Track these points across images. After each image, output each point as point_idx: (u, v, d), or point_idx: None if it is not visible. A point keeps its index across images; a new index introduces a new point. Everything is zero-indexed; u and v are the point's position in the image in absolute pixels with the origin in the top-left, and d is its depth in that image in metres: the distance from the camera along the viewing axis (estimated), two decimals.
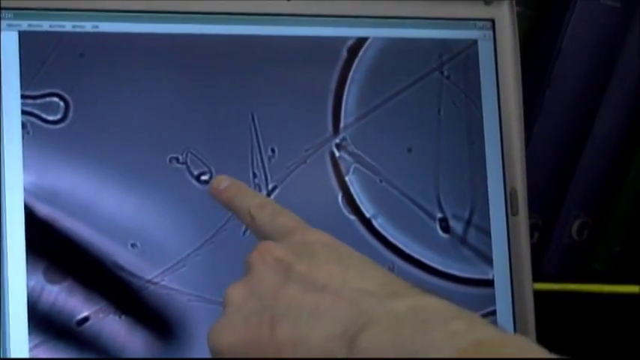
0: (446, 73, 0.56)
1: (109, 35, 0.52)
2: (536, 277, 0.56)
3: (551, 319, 0.58)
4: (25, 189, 0.50)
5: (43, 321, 0.50)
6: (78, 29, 0.51)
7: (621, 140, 0.65)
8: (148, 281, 0.51)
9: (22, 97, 0.50)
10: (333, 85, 0.54)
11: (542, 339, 0.54)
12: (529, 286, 0.55)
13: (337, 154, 0.54)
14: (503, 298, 0.55)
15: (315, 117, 0.54)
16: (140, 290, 0.51)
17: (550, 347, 0.55)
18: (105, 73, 0.51)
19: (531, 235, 0.57)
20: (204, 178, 0.52)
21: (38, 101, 0.51)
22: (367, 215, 0.54)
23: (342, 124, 0.54)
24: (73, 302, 0.50)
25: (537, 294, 0.56)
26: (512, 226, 0.56)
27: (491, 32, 0.56)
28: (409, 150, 0.55)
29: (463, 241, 0.55)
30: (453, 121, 0.56)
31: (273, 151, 0.53)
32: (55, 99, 0.51)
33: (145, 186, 0.51)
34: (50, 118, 0.51)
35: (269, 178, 0.53)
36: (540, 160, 0.64)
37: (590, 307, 0.65)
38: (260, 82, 0.53)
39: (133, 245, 0.51)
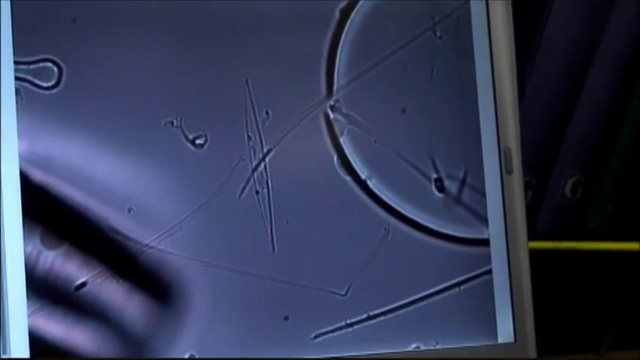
0: (438, 34, 0.56)
1: (101, 0, 0.51)
2: (530, 236, 0.56)
3: (544, 277, 0.58)
4: (20, 155, 0.50)
5: (41, 286, 0.50)
6: None
7: (613, 98, 0.65)
8: (145, 245, 0.51)
9: (15, 62, 0.50)
10: (325, 48, 0.54)
11: (536, 297, 0.56)
12: (524, 245, 0.55)
13: (331, 115, 0.54)
14: (498, 256, 0.55)
15: (309, 79, 0.54)
16: (137, 254, 0.51)
17: (543, 305, 0.56)
18: (98, 38, 0.51)
19: (525, 195, 0.56)
20: (199, 141, 0.52)
21: (32, 67, 0.50)
22: (362, 176, 0.54)
23: (335, 86, 0.54)
24: (70, 267, 0.50)
25: (531, 252, 0.56)
26: (507, 185, 0.56)
27: None
28: (403, 110, 0.55)
29: (458, 200, 0.55)
30: (446, 82, 0.56)
31: (267, 113, 0.53)
32: (49, 64, 0.51)
33: (141, 150, 0.51)
34: (44, 83, 0.50)
35: (264, 140, 0.53)
36: (533, 118, 0.64)
37: (583, 264, 0.66)
38: (253, 45, 0.53)
39: (129, 210, 0.51)
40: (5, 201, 0.50)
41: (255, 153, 0.53)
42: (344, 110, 0.54)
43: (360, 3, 0.55)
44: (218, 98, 0.53)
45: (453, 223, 0.55)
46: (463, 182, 0.55)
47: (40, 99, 0.50)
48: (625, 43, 0.65)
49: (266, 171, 0.53)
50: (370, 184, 0.54)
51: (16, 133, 0.50)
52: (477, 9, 0.56)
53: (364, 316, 0.54)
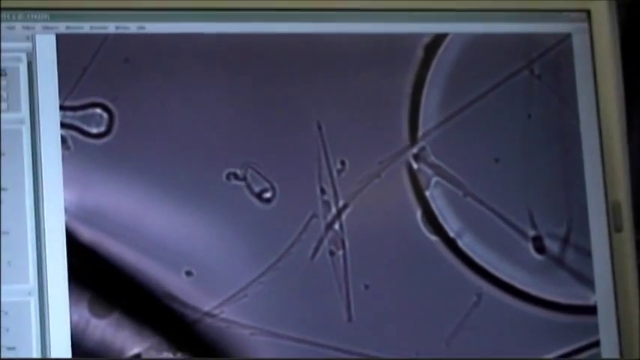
0: (536, 72, 0.55)
1: (156, 37, 0.51)
2: None
3: None
4: (66, 211, 0.48)
5: None
6: (122, 31, 0.50)
7: None
8: (206, 313, 0.50)
9: (62, 108, 0.49)
10: (408, 89, 0.53)
11: None
12: (636, 313, 0.54)
13: (415, 166, 0.53)
14: (607, 326, 0.54)
15: (390, 125, 0.53)
16: (196, 324, 0.50)
17: None
18: (152, 79, 0.50)
19: (636, 255, 0.55)
20: (266, 195, 0.51)
21: (79, 113, 0.49)
22: (451, 234, 0.53)
23: (420, 133, 0.53)
24: (121, 338, 0.49)
25: None
26: (616, 245, 0.55)
27: (586, 24, 0.56)
28: (496, 160, 0.54)
29: (560, 262, 0.54)
30: (546, 127, 0.55)
31: (342, 164, 0.52)
32: (98, 110, 0.50)
33: (200, 206, 0.50)
34: (93, 131, 0.50)
35: (339, 194, 0.52)
36: None
37: None
38: (326, 86, 0.52)
39: (187, 273, 0.50)
40: (50, 263, 0.48)
41: (329, 208, 0.52)
42: (430, 159, 0.53)
43: (447, 38, 0.54)
44: (287, 146, 0.51)
45: (554, 287, 0.54)
46: (565, 241, 0.54)
47: (88, 148, 0.50)
48: None
49: (341, 229, 0.52)
50: (460, 243, 0.53)
51: (62, 186, 0.49)
52: (579, 43, 0.55)
53: None
